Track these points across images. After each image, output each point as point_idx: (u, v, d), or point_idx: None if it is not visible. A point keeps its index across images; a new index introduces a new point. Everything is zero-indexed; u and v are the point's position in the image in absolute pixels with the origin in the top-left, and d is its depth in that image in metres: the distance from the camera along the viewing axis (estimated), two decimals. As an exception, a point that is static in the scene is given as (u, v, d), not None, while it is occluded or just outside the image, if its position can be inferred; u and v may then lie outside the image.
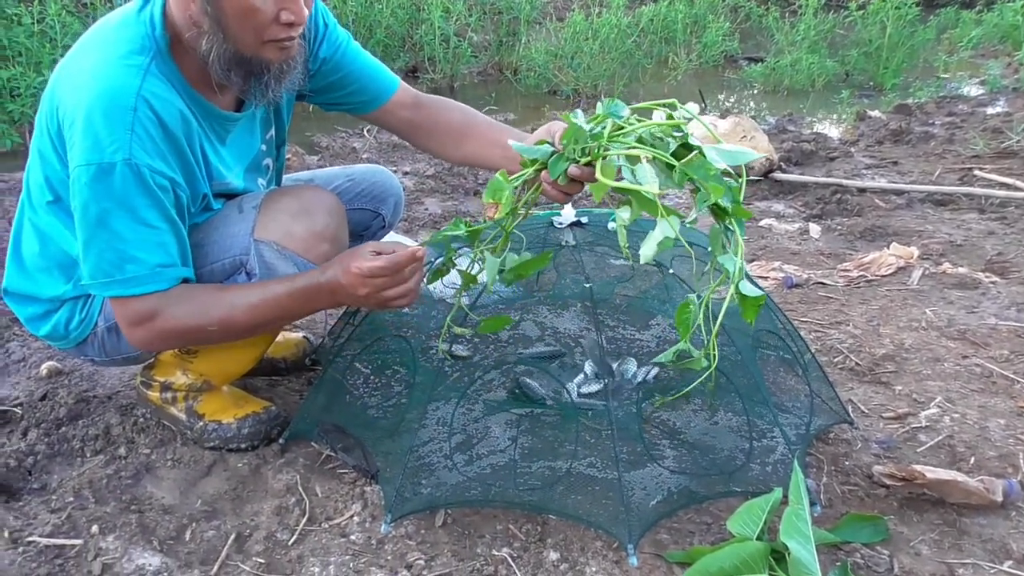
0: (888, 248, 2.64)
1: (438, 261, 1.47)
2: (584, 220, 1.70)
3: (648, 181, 1.21)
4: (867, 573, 1.29)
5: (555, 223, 1.70)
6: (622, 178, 1.25)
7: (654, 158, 1.25)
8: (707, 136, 1.37)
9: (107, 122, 1.22)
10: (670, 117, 1.31)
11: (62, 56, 4.38)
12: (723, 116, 3.97)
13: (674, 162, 1.24)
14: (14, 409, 1.70)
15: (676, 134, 1.30)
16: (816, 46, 6.55)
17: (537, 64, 5.82)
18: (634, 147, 1.27)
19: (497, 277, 1.44)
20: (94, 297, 1.48)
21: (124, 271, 1.27)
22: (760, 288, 1.50)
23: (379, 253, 1.31)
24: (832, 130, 5.12)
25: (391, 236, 2.10)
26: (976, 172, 3.77)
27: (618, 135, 1.29)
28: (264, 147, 1.59)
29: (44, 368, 1.89)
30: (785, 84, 6.22)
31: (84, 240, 1.28)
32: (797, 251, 2.82)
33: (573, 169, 1.32)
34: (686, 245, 1.31)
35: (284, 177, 1.81)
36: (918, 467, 1.42)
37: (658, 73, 6.31)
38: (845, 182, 3.58)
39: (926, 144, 4.47)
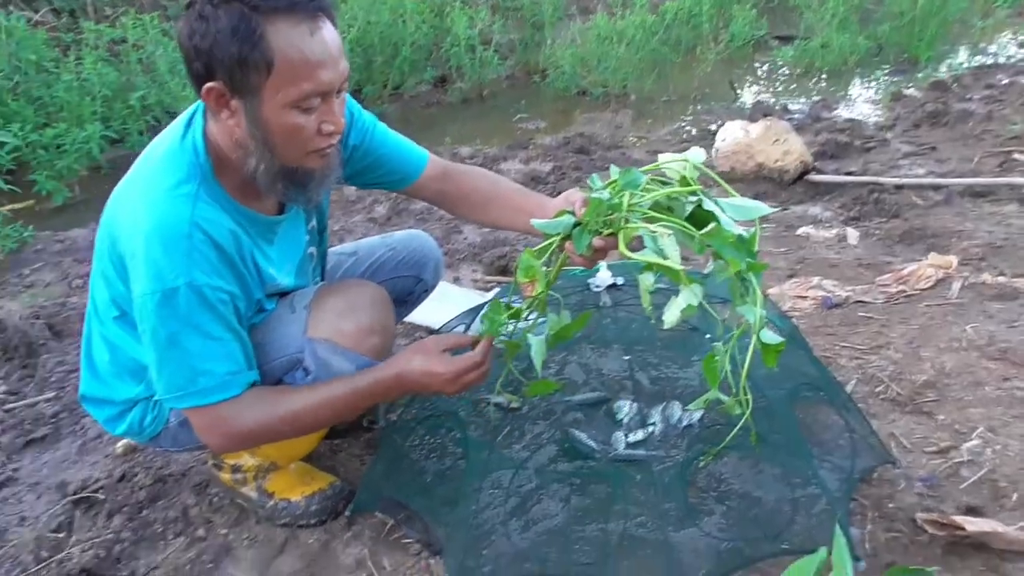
0: (927, 258, 2.64)
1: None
2: (620, 281, 1.76)
3: (670, 252, 1.27)
4: (914, 627, 1.34)
5: (592, 286, 1.76)
6: (644, 247, 1.31)
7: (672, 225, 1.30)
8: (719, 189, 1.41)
9: (166, 251, 1.31)
10: (684, 182, 1.36)
11: (102, 108, 4.48)
12: (753, 119, 3.96)
13: (693, 232, 1.29)
14: (96, 494, 1.82)
15: (691, 199, 1.35)
16: (846, 22, 6.44)
17: (565, 70, 5.84)
18: (653, 216, 1.32)
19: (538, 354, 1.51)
20: (163, 396, 1.59)
21: (197, 384, 1.37)
22: (784, 326, 1.55)
23: (446, 350, 1.44)
24: (868, 113, 5.05)
25: (440, 287, 2.17)
26: (1016, 156, 3.72)
27: (636, 203, 1.34)
28: (308, 237, 1.67)
29: (120, 446, 2.01)
30: (817, 65, 6.14)
31: (156, 361, 1.37)
32: (836, 262, 2.83)
33: (597, 241, 1.38)
34: (709, 310, 1.36)
35: (330, 251, 1.90)
36: (959, 518, 1.46)
37: (686, 66, 6.28)
38: (881, 180, 3.56)
39: (964, 124, 4.40)
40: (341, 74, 1.33)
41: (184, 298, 1.32)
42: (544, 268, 1.45)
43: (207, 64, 1.26)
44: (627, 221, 1.33)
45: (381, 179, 1.75)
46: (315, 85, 1.29)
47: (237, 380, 1.40)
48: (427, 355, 1.45)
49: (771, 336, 1.28)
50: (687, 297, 1.29)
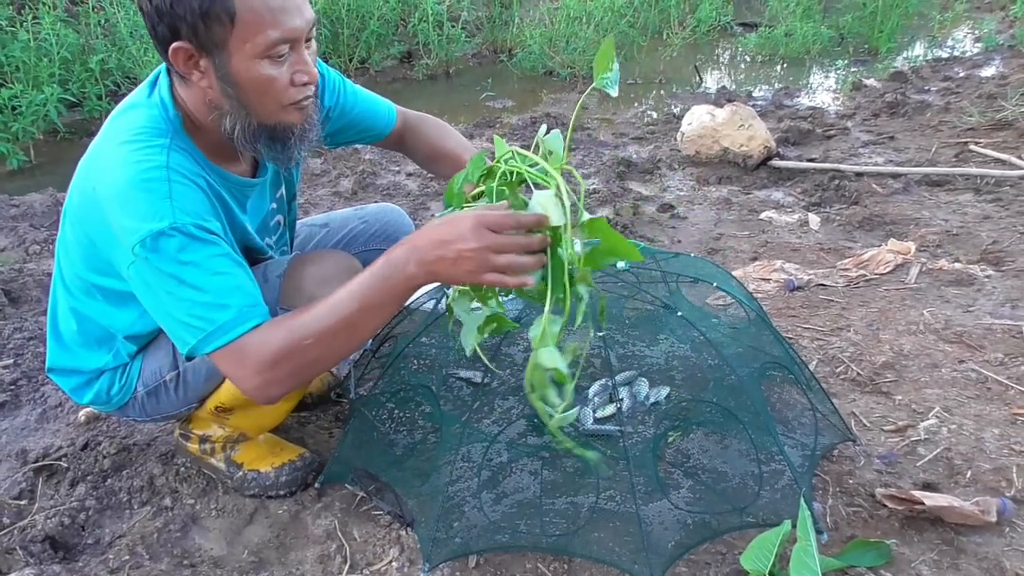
0: (886, 244, 2.71)
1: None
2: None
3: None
4: (872, 597, 1.39)
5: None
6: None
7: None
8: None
9: (146, 197, 1.25)
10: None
11: (60, 70, 4.35)
12: (718, 104, 3.99)
13: None
14: (59, 462, 1.79)
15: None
16: (810, 12, 6.53)
17: (533, 49, 5.83)
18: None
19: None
20: (131, 365, 1.56)
21: (214, 321, 1.26)
22: (752, 306, 1.56)
23: None
24: (829, 102, 5.14)
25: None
26: (972, 147, 3.82)
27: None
28: (274, 205, 1.65)
29: (82, 415, 1.98)
30: (780, 53, 6.21)
31: (164, 314, 1.28)
32: (798, 246, 2.89)
33: None
34: (476, 348, 1.33)
35: (300, 222, 1.88)
36: (917, 493, 1.51)
37: (653, 49, 6.31)
38: (842, 167, 3.64)
39: (922, 115, 4.51)
40: (307, 20, 1.30)
41: (174, 239, 1.25)
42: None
43: (171, 24, 1.23)
44: None
45: (355, 137, 1.76)
46: (281, 32, 1.26)
47: (256, 312, 1.29)
48: (438, 221, 1.24)
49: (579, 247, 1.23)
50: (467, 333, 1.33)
